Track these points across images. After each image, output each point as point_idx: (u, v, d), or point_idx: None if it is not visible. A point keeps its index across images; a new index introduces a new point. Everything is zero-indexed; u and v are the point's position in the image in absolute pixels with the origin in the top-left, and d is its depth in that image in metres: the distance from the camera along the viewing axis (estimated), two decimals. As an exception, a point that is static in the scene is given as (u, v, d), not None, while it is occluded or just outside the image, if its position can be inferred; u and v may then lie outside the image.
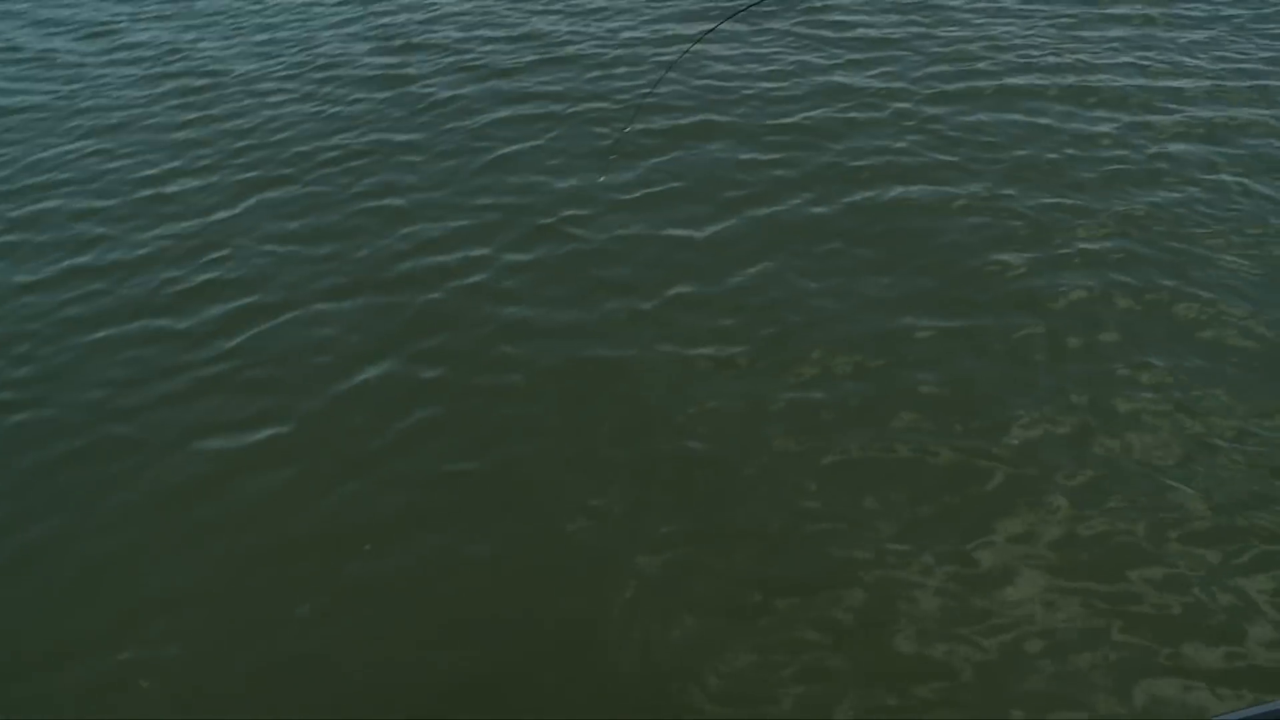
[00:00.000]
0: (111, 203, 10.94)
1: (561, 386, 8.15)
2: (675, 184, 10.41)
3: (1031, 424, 7.48)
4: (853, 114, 11.43)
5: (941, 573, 6.54)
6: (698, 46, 12.78)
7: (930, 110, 11.38)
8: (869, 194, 10.02)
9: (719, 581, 6.59)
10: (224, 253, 9.94)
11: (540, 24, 14.39)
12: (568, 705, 5.98)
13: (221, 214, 10.56)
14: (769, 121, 11.36)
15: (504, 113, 12.03)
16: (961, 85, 11.86)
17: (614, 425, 7.76)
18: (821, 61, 12.66)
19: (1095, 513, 6.83)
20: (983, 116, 11.21)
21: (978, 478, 7.13)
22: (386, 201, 10.54)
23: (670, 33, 13.74)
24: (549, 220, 10.01)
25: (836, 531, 6.84)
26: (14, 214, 10.89)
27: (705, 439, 7.60)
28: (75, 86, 13.69)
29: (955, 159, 10.47)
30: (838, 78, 12.22)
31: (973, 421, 7.54)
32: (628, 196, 10.27)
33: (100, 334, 9.02)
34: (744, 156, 10.79)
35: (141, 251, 10.07)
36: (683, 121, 11.54)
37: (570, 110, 11.96)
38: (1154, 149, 10.46)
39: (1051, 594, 6.36)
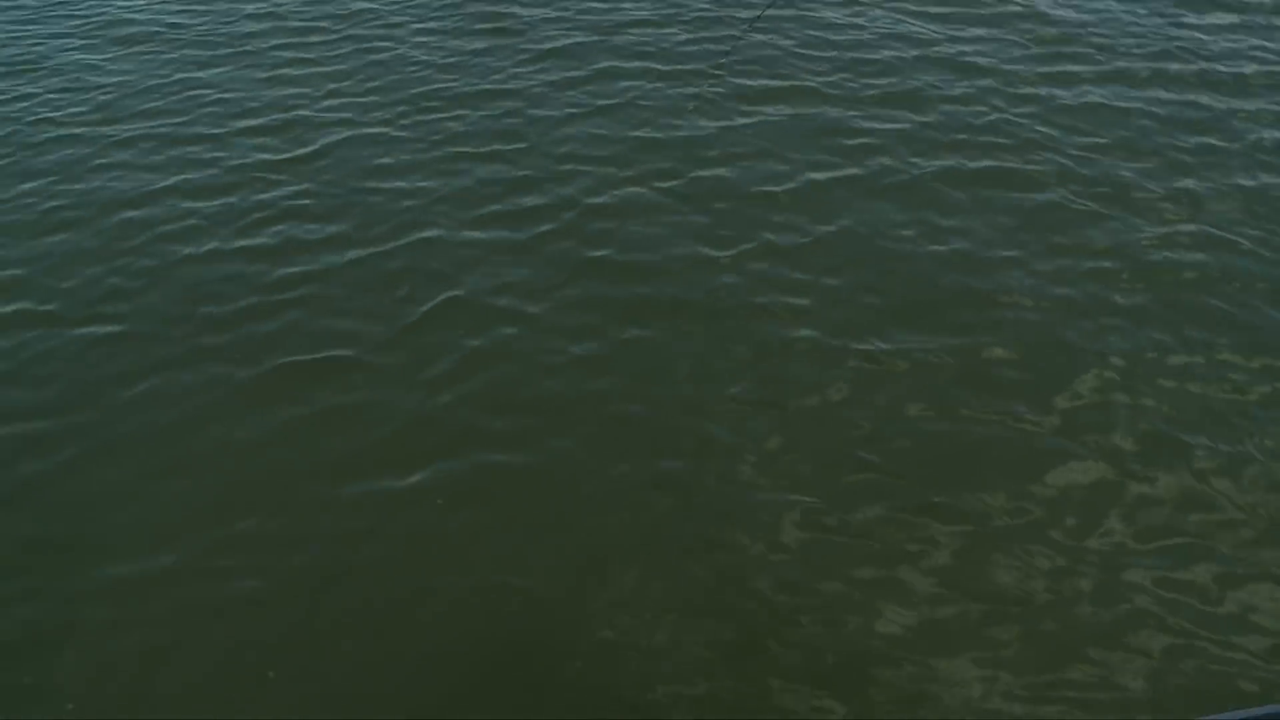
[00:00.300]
0: (211, 130, 11.25)
1: (633, 325, 8.29)
2: (760, 141, 10.45)
3: (1087, 394, 7.50)
4: (945, 85, 11.34)
5: (958, 531, 6.65)
6: (799, 11, 12.80)
7: (1025, 89, 11.25)
8: (952, 163, 9.98)
9: (768, 513, 6.77)
10: (308, 185, 10.20)
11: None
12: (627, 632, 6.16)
13: (309, 149, 10.82)
14: (862, 93, 11.30)
15: (600, 65, 12.12)
16: (1060, 68, 11.69)
17: (679, 365, 7.92)
18: (920, 33, 12.55)
19: (1135, 483, 6.87)
20: (1078, 97, 11.07)
21: (1020, 441, 7.20)
22: (471, 148, 10.69)
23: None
24: (630, 172, 10.11)
25: (879, 482, 6.96)
26: (121, 135, 11.22)
27: (764, 383, 7.72)
28: (188, 20, 14.02)
29: (1046, 136, 10.37)
30: (936, 51, 12.11)
31: (1029, 387, 7.59)
32: (711, 152, 10.34)
33: (188, 251, 9.34)
34: (832, 118, 10.79)
35: (232, 179, 10.36)
36: (772, 84, 11.54)
37: (661, 67, 12.00)
38: (1252, 136, 10.27)
39: (1070, 555, 6.47)
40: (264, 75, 12.39)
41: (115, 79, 12.49)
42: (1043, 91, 11.18)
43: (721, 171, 10.04)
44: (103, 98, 12.04)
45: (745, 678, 5.90)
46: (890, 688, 5.83)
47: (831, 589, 6.33)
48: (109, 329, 8.55)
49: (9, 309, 8.79)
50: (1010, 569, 6.37)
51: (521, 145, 10.70)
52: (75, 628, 6.32)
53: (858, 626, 6.12)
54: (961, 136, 10.43)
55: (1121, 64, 11.68)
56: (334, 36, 13.30)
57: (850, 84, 11.46)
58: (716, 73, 11.75)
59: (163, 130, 11.26)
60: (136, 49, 13.29)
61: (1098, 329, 8.04)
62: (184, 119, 11.47)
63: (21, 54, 13.28)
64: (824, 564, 6.45)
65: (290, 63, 12.65)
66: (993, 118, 10.73)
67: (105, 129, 11.37)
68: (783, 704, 5.77)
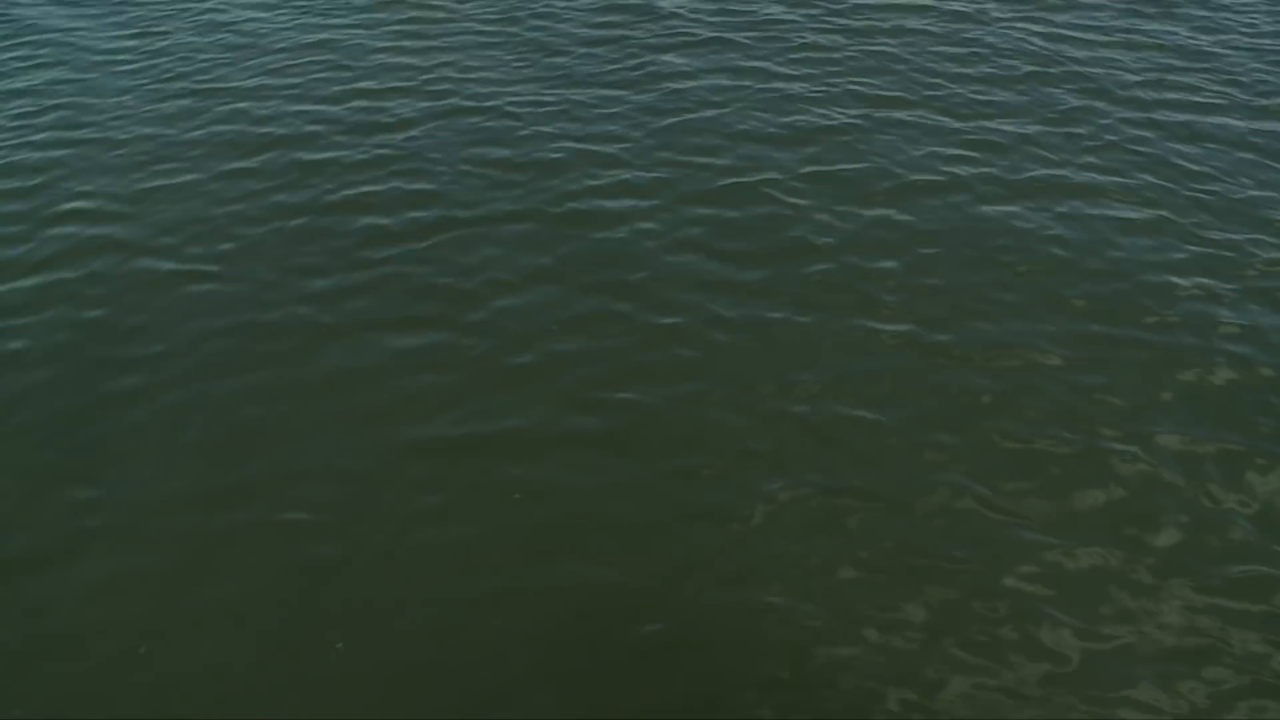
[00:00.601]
0: (325, 91, 11.58)
1: (725, 306, 8.33)
2: (866, 142, 10.44)
3: (1172, 407, 7.39)
4: (1057, 101, 11.19)
5: (1018, 527, 6.56)
6: (921, 23, 12.71)
7: (1139, 113, 11.03)
8: (1056, 175, 9.86)
9: (832, 498, 6.76)
10: (413, 149, 10.42)
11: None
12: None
13: (417, 114, 11.07)
14: (971, 104, 11.19)
15: (718, 62, 12.17)
16: (1179, 95, 11.42)
17: (766, 348, 7.95)
18: (1038, 50, 12.40)
19: (1209, 502, 6.75)
20: (1195, 122, 10.83)
21: (1096, 451, 7.10)
22: (577, 128, 10.82)
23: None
24: (734, 162, 10.15)
25: (947, 474, 6.93)
26: (241, 89, 11.60)
27: (845, 370, 7.73)
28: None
29: (1155, 157, 10.16)
30: (1051, 70, 11.96)
31: (1112, 397, 7.48)
32: (815, 148, 10.34)
33: (292, 201, 9.62)
34: (940, 125, 10.75)
35: (341, 137, 10.64)
36: (885, 92, 11.48)
37: (778, 67, 12.03)
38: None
39: (1137, 568, 6.37)
40: (383, 45, 12.65)
41: (241, 39, 12.90)
42: (1158, 115, 10.96)
43: (825, 168, 10.04)
44: (227, 55, 12.44)
45: (776, 665, 5.89)
46: (946, 685, 5.77)
47: (885, 577, 6.30)
48: (205, 267, 8.85)
49: (112, 239, 9.16)
50: (1075, 576, 6.27)
51: (633, 130, 10.79)
52: (133, 535, 6.56)
53: (915, 617, 6.09)
54: (1066, 153, 10.28)
55: (1245, 96, 11.39)
56: (455, 16, 13.54)
57: (958, 94, 11.36)
58: (821, 89, 11.72)
59: (280, 88, 11.59)
60: (264, 14, 13.69)
61: (1189, 346, 7.88)
62: (301, 79, 11.79)
63: (156, 13, 13.76)
64: (879, 548, 6.43)
65: (410, 34, 12.94)
66: (1105, 137, 10.55)
67: (226, 84, 11.74)
68: (844, 686, 5.75)
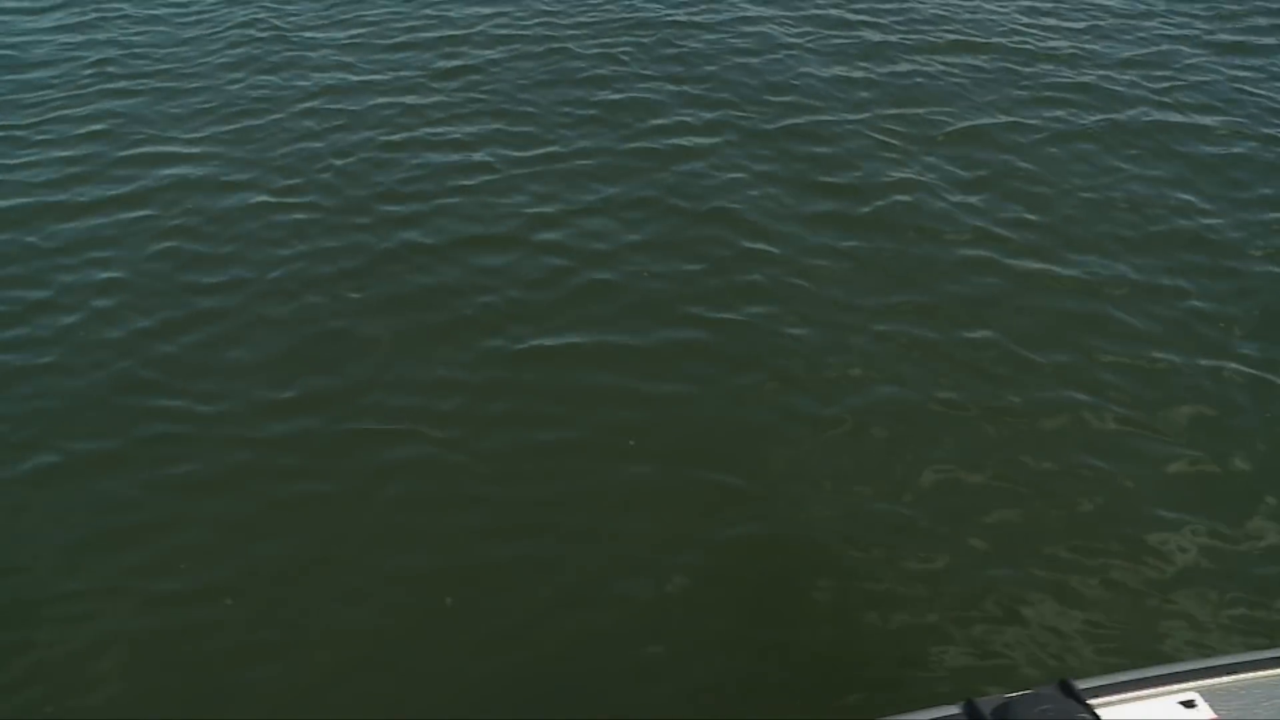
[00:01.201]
0: (386, 40, 11.58)
1: (816, 261, 8.27)
2: (964, 82, 10.52)
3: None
4: (1133, 46, 11.14)
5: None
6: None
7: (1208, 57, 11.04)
8: (1133, 115, 9.82)
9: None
10: (494, 105, 10.36)
11: None
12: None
13: (465, 63, 11.10)
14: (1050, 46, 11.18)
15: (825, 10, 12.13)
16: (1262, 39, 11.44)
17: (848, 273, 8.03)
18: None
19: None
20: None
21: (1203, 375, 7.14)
22: (661, 69, 10.85)
23: None
24: (844, 98, 10.24)
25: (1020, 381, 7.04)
26: (303, 40, 11.63)
27: (929, 292, 7.81)
28: None
29: (1236, 93, 10.22)
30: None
31: (1201, 314, 7.58)
32: (924, 93, 10.41)
33: (371, 156, 9.57)
34: (1025, 70, 10.77)
35: (400, 85, 10.67)
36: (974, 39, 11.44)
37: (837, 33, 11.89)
38: None
39: None
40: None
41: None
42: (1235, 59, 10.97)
43: (928, 110, 10.14)
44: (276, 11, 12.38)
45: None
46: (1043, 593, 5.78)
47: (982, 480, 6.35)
48: (290, 199, 8.93)
49: (199, 176, 9.25)
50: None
51: (753, 69, 10.89)
52: (214, 441, 6.67)
53: (1008, 522, 6.13)
54: (1140, 91, 10.28)
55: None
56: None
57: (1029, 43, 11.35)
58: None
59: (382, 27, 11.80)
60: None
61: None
62: (363, 29, 11.84)
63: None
64: (974, 455, 6.52)
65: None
66: (1183, 79, 10.57)
67: (291, 35, 11.76)
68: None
